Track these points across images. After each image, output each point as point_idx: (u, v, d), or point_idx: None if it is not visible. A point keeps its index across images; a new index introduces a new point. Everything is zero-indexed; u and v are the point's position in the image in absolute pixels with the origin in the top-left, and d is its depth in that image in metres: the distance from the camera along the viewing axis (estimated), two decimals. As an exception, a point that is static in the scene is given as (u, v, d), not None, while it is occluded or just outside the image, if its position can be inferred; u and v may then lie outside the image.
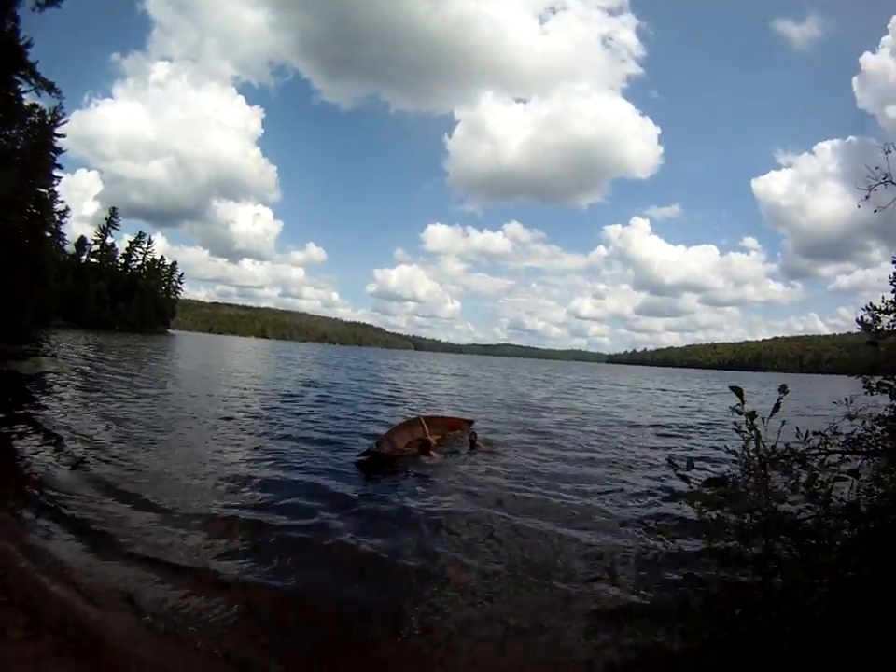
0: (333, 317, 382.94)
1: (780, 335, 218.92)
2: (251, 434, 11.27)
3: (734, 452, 2.95)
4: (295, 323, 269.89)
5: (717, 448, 13.40)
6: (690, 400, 32.30)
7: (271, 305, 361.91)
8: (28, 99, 30.01)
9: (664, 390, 42.77)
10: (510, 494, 8.03)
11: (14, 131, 30.53)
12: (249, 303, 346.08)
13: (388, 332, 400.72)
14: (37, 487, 6.58)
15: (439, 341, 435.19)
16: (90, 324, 48.34)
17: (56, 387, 14.93)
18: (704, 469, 9.96)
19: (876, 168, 3.28)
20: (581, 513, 7.30)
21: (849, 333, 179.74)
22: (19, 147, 31.53)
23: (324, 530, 5.96)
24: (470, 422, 14.27)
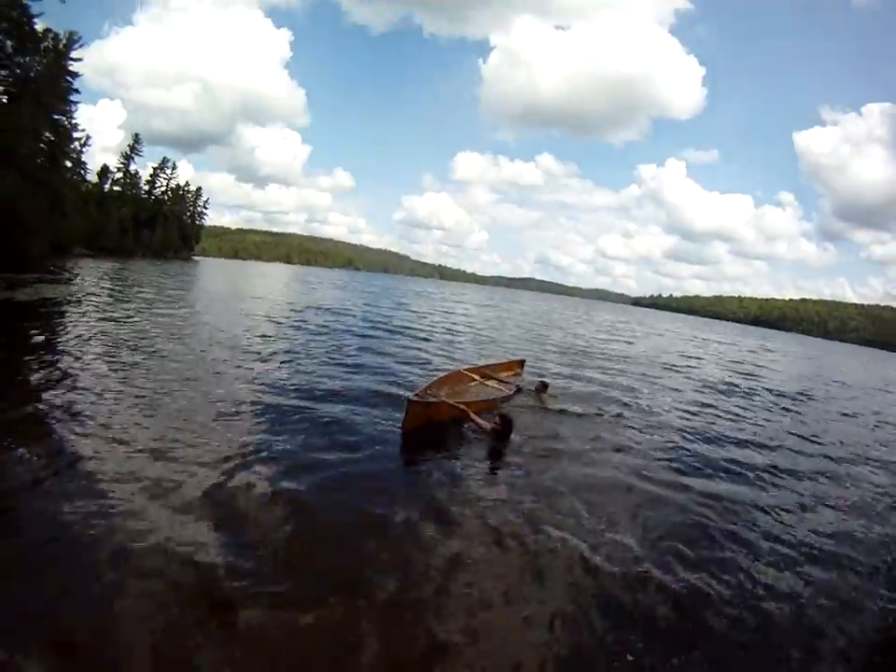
0: (359, 244, 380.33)
1: (807, 296, 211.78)
2: (244, 379, 8.39)
3: None
4: (320, 249, 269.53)
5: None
6: (754, 357, 29.90)
7: (296, 231, 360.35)
8: (40, 23, 28.24)
9: (718, 342, 40.19)
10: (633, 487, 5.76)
11: (28, 58, 28.65)
12: (275, 229, 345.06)
13: (413, 260, 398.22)
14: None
15: (464, 271, 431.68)
16: (112, 251, 47.82)
17: (44, 313, 13.13)
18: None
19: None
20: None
21: (877, 305, 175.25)
22: (33, 74, 29.65)
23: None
24: (521, 362, 12.35)
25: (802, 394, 16.22)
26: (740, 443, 8.47)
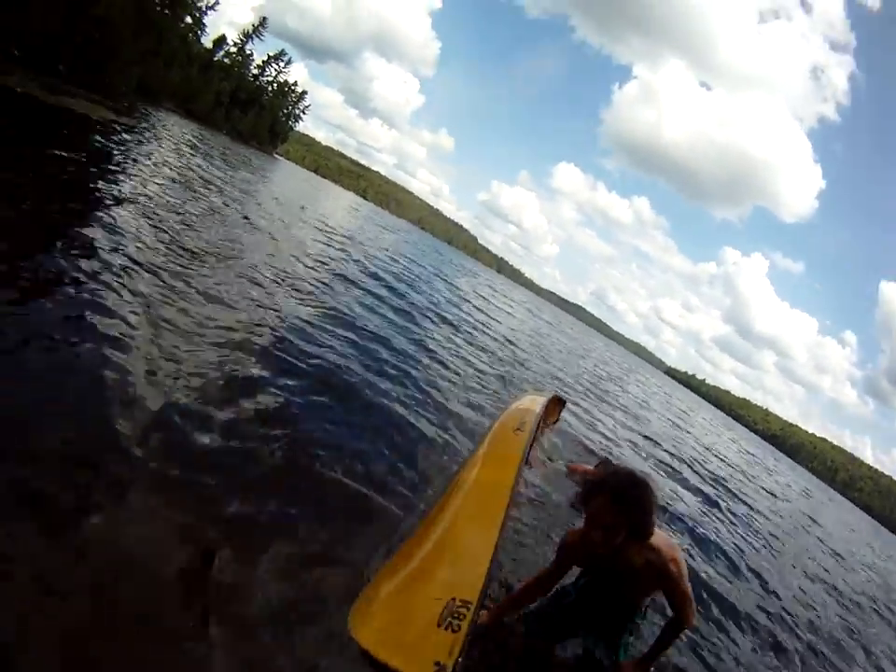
0: (435, 207, 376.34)
1: (828, 438, 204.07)
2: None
3: None
4: (396, 196, 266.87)
5: None
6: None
7: (381, 171, 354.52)
8: None
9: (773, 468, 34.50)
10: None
11: None
12: (362, 161, 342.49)
13: (479, 244, 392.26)
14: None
15: (522, 273, 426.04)
16: (199, 118, 46.35)
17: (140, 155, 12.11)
18: None
19: None
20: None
21: (890, 477, 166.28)
22: None
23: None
24: (562, 402, 8.17)
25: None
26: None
